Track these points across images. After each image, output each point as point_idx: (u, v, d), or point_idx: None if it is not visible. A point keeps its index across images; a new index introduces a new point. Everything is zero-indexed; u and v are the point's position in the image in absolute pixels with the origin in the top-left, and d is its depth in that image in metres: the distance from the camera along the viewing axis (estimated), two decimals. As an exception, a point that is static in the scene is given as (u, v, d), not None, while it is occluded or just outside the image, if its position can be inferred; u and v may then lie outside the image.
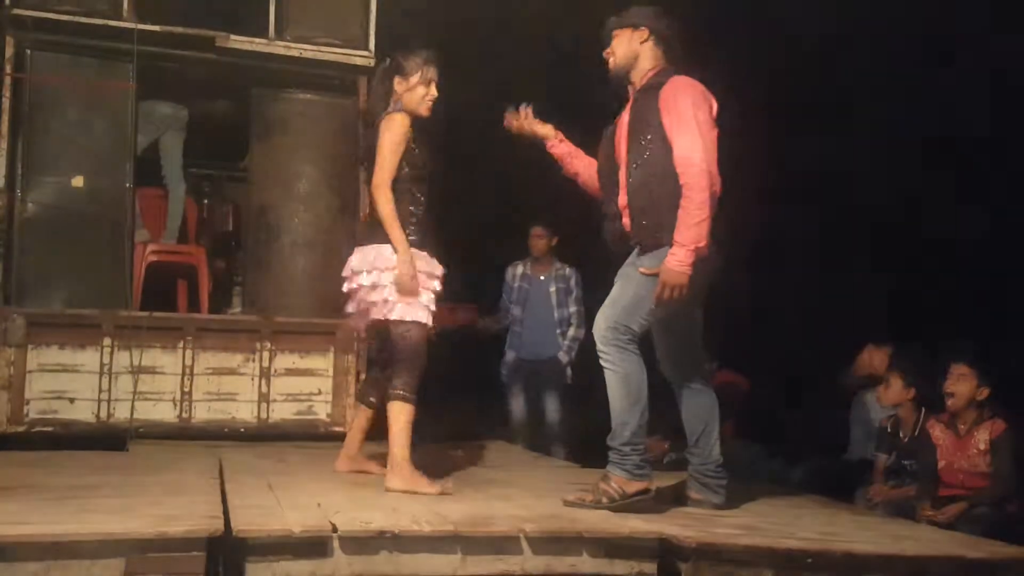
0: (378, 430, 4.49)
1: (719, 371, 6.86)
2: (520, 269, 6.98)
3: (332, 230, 6.20)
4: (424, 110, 4.24)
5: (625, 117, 4.04)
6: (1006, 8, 7.33)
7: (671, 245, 3.74)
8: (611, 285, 4.00)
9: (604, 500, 3.77)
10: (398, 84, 4.25)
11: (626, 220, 4.00)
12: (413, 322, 4.12)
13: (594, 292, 6.67)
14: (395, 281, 4.07)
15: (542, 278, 6.91)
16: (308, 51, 6.11)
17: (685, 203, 3.73)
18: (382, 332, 4.36)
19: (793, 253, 9.24)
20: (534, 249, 6.93)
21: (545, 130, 4.35)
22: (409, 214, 4.16)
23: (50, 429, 5.46)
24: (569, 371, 6.80)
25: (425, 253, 4.20)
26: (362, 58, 6.16)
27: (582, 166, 4.32)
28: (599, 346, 3.88)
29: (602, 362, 3.87)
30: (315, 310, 6.06)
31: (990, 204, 8.26)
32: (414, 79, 4.22)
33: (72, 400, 5.52)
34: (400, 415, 4.09)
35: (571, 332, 6.80)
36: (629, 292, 3.87)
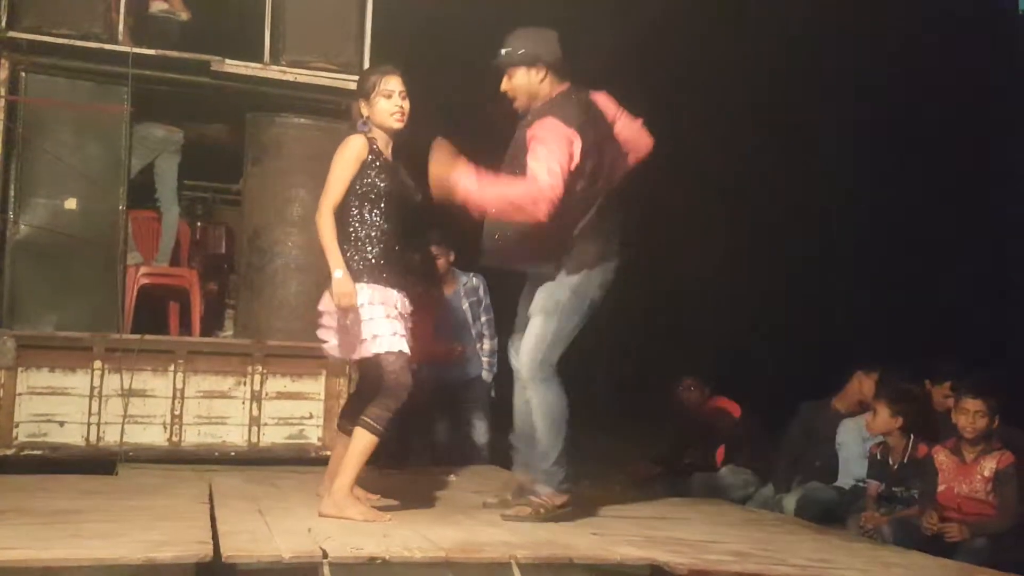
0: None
1: (711, 397, 6.87)
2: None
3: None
4: (394, 123, 4.14)
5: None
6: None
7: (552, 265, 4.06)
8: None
9: (542, 511, 4.05)
10: (363, 107, 4.19)
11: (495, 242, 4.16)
12: (397, 352, 4.00)
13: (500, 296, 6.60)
14: (337, 301, 3.98)
15: (451, 296, 6.56)
16: (303, 75, 6.12)
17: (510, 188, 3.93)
18: (362, 365, 4.32)
19: (782, 281, 9.29)
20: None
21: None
22: (360, 238, 4.08)
23: (39, 452, 5.42)
24: (492, 386, 6.56)
25: (380, 286, 4.06)
26: (357, 83, 6.17)
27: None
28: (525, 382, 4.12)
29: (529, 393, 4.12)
30: (307, 334, 6.00)
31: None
32: (374, 95, 4.15)
33: (62, 423, 5.48)
34: (360, 442, 3.99)
35: (487, 345, 6.52)
36: (551, 326, 4.06)
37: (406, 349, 4.03)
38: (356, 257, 4.08)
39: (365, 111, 4.20)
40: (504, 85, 4.16)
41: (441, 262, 6.53)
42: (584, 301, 4.10)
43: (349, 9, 6.29)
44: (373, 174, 4.11)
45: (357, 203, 4.11)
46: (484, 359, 6.53)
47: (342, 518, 3.85)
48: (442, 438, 6.62)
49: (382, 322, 4.02)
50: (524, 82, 4.10)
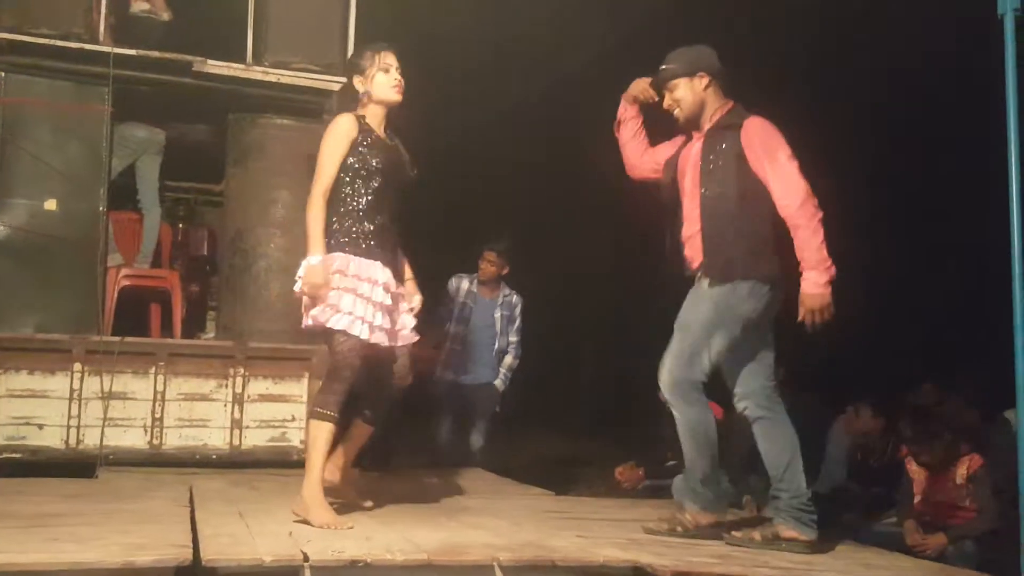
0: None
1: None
2: (466, 284, 6.68)
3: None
4: (394, 95, 4.15)
5: (693, 151, 4.06)
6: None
7: (743, 280, 3.87)
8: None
9: (679, 529, 4.02)
10: (359, 83, 4.17)
11: (688, 251, 4.05)
12: (343, 332, 3.90)
13: (530, 320, 6.71)
14: (302, 287, 3.92)
15: (488, 300, 6.69)
16: (285, 76, 6.11)
17: (803, 232, 3.80)
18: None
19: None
20: (483, 274, 6.68)
21: (647, 95, 4.26)
22: (349, 212, 4.01)
23: (18, 456, 5.37)
24: (500, 397, 6.67)
25: (377, 263, 4.01)
26: (339, 84, 6.13)
27: (635, 142, 4.33)
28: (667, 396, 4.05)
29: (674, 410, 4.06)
30: (290, 336, 6.01)
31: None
32: (371, 70, 4.14)
33: (41, 426, 5.43)
34: (313, 432, 3.94)
35: (508, 360, 6.66)
36: (687, 341, 3.95)
37: (365, 335, 3.92)
38: (343, 230, 4.01)
39: (362, 87, 4.17)
40: (667, 102, 4.11)
41: (492, 270, 6.65)
42: (727, 317, 3.89)
43: (332, 10, 6.29)
44: (364, 151, 4.07)
45: (349, 179, 4.06)
46: (501, 370, 6.64)
47: (304, 522, 3.77)
48: (442, 437, 6.69)
49: (347, 299, 3.93)
50: (688, 93, 4.03)
